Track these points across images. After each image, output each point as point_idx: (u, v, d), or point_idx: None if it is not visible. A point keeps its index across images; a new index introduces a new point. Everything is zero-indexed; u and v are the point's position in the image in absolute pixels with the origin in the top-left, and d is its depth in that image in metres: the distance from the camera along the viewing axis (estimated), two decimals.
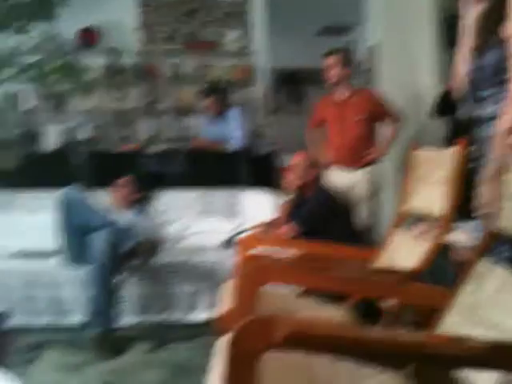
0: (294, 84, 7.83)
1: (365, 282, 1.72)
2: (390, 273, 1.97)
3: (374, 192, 3.69)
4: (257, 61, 5.69)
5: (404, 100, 4.30)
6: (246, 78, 5.67)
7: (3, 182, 4.16)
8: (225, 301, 2.07)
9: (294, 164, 3.12)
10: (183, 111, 5.71)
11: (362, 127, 3.60)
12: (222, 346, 1.48)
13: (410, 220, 2.47)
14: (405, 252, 2.20)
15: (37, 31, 4.37)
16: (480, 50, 1.76)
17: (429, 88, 4.50)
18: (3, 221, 3.54)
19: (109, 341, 2.72)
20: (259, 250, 2.39)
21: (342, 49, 3.79)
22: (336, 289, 1.80)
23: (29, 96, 5.46)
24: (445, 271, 2.44)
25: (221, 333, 1.68)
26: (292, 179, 3.11)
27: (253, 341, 0.94)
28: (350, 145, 3.59)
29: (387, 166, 4.54)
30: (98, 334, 2.73)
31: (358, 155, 3.61)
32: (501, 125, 1.63)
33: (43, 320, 3.01)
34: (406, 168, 2.30)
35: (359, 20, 5.58)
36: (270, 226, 3.13)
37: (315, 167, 3.13)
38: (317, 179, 3.13)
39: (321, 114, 3.77)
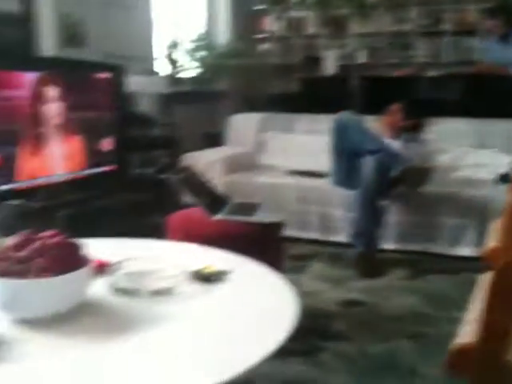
0: None
1: None
2: None
3: None
4: None
5: None
6: None
7: (285, 105, 4.52)
8: (493, 236, 1.95)
9: None
10: (465, 32, 5.26)
11: None
12: (484, 282, 1.43)
13: None
14: None
15: None
16: None
17: None
18: (283, 141, 3.87)
19: (368, 261, 2.84)
20: None
21: None
22: None
23: (311, 22, 5.71)
24: None
25: (486, 269, 1.61)
26: None
27: None
28: None
29: None
30: (359, 253, 2.87)
31: None
32: None
33: (313, 234, 3.28)
34: None
35: None
36: None
37: None
38: None
39: None
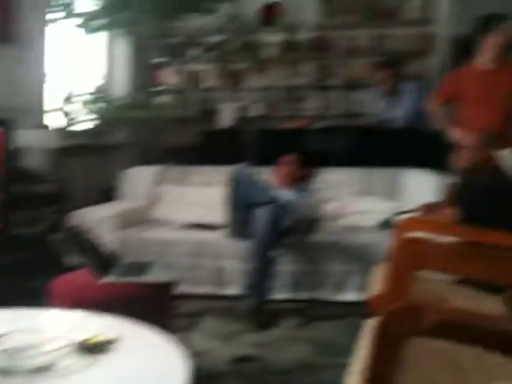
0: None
1: None
2: None
3: None
4: (437, 29, 5.30)
5: None
6: (425, 48, 5.33)
7: (182, 158, 4.53)
8: (377, 283, 2.03)
9: (465, 143, 2.86)
10: (355, 85, 5.57)
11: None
12: (370, 329, 1.47)
13: None
14: None
15: (222, 11, 4.55)
16: None
17: None
18: (178, 194, 3.85)
19: (262, 313, 2.84)
20: (417, 234, 2.26)
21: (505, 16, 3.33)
22: (496, 279, 1.68)
23: (209, 75, 5.82)
24: None
25: (370, 315, 1.65)
26: (462, 159, 2.85)
27: (401, 326, 0.99)
28: (500, 122, 3.22)
29: None
30: (251, 305, 2.86)
31: (509, 134, 3.22)
32: None
33: (205, 288, 3.23)
34: None
35: None
36: (432, 209, 2.93)
37: (489, 148, 2.81)
38: (490, 160, 2.82)
39: (453, 89, 3.44)
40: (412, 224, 2.40)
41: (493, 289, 1.96)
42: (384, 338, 0.99)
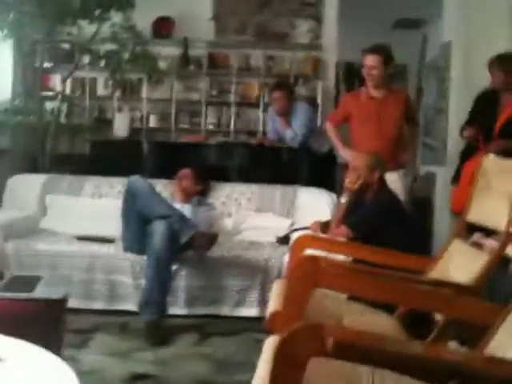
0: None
1: (418, 293, 1.67)
2: (445, 285, 1.88)
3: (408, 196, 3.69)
4: (326, 54, 5.60)
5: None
6: (315, 71, 5.60)
7: (73, 167, 4.34)
8: (275, 299, 2.07)
9: (354, 165, 3.03)
10: (249, 104, 5.71)
11: (399, 127, 3.60)
12: (269, 346, 1.48)
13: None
14: (462, 264, 2.10)
15: (114, 20, 4.46)
16: None
17: None
18: (69, 205, 3.67)
19: (158, 329, 2.78)
20: (312, 251, 2.34)
21: (383, 47, 3.62)
22: (388, 298, 1.77)
23: (103, 83, 5.65)
24: (504, 286, 2.32)
25: (269, 331, 1.68)
26: (351, 180, 3.01)
27: (301, 346, 0.99)
28: (389, 145, 3.51)
29: (443, 171, 4.40)
30: (148, 321, 2.80)
31: (395, 156, 3.55)
32: None
33: (99, 304, 3.11)
34: (474, 173, 2.17)
35: (436, 15, 5.36)
36: (325, 226, 3.07)
37: (377, 169, 3.01)
38: (379, 182, 3.02)
39: (349, 110, 3.68)
40: (306, 241, 2.49)
41: (384, 306, 2.08)
42: (285, 358, 1.00)
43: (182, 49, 5.50)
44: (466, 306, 1.60)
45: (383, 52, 3.53)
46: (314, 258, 1.91)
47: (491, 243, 2.51)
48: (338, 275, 1.72)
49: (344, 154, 3.63)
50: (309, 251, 2.33)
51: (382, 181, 3.03)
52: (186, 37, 5.44)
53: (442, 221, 4.68)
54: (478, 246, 2.36)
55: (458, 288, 1.80)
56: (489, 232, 2.72)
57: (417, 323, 2.13)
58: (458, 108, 4.40)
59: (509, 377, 1.01)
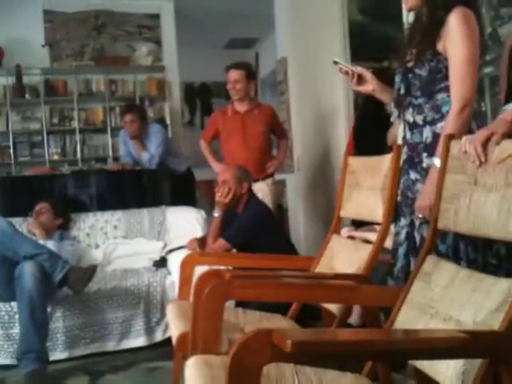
0: (205, 97, 7.84)
1: (324, 288, 1.75)
2: (341, 277, 2.00)
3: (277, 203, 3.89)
4: (168, 75, 5.64)
5: (314, 113, 4.45)
6: (160, 92, 5.60)
7: None
8: (178, 321, 2.00)
9: (223, 178, 3.08)
10: (95, 129, 5.51)
11: (265, 139, 3.77)
12: (192, 368, 1.43)
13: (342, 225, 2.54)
14: (345, 257, 2.24)
15: None
16: (418, 58, 1.83)
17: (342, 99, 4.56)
18: None
19: (42, 379, 2.53)
20: (200, 267, 2.33)
21: (245, 63, 3.86)
22: (297, 297, 1.87)
23: None
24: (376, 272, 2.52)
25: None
26: (222, 194, 3.05)
27: (256, 355, 0.99)
28: (256, 156, 3.68)
29: (296, 176, 4.69)
30: (29, 372, 2.53)
31: (262, 166, 3.72)
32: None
33: None
34: (341, 175, 2.33)
35: (267, 32, 5.69)
36: (202, 243, 3.07)
37: (245, 180, 3.10)
38: (248, 192, 3.11)
39: (217, 126, 3.82)
40: (194, 259, 2.48)
41: (276, 308, 2.15)
42: (240, 372, 0.99)
43: (15, 77, 5.13)
44: (369, 292, 1.72)
45: (245, 67, 3.71)
46: (216, 272, 1.91)
47: (361, 235, 2.75)
48: (245, 285, 1.74)
49: (215, 167, 3.71)
50: (198, 268, 2.32)
51: (251, 191, 3.13)
52: (19, 64, 5.08)
53: (296, 223, 4.92)
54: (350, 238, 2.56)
55: (353, 278, 1.92)
56: (357, 225, 2.98)
57: (307, 318, 2.26)
58: (299, 118, 4.70)
59: (423, 344, 1.07)
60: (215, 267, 2.31)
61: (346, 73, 2.10)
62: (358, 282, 1.86)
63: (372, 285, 1.90)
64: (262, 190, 3.58)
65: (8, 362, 2.70)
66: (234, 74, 3.65)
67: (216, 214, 3.07)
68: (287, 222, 5.26)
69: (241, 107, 3.73)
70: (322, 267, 2.30)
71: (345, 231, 2.83)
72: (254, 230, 2.96)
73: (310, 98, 4.60)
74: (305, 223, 4.63)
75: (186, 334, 1.79)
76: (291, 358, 1.04)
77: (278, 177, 5.87)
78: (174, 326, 2.00)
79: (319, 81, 4.48)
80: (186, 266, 2.37)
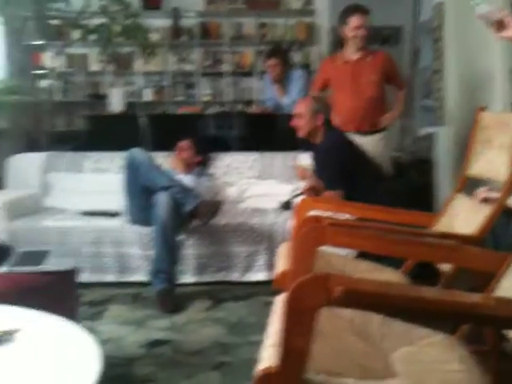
0: None
1: (423, 245, 1.69)
2: (449, 237, 1.93)
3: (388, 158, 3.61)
4: (318, 19, 5.56)
5: (469, 64, 4.09)
6: (308, 37, 5.57)
7: (71, 144, 4.33)
8: (282, 261, 2.11)
9: (299, 111, 3.01)
10: (244, 73, 5.68)
11: (377, 89, 3.46)
12: (279, 304, 1.52)
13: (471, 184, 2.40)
14: (465, 217, 2.14)
15: None
16: None
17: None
18: (71, 181, 3.70)
19: (170, 298, 2.83)
20: (315, 212, 2.38)
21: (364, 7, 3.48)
22: (394, 252, 1.78)
23: (94, 59, 5.60)
24: (508, 237, 2.36)
25: (278, 292, 1.72)
26: (300, 126, 3.00)
27: (310, 297, 0.99)
28: (366, 107, 3.43)
29: (446, 130, 4.41)
30: (159, 290, 2.85)
31: (373, 119, 3.46)
32: None
33: (109, 276, 3.16)
34: (472, 131, 2.20)
35: None
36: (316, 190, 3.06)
37: (321, 112, 2.97)
38: (325, 124, 2.99)
39: (327, 75, 3.60)
40: (309, 204, 2.52)
41: (391, 261, 2.12)
42: (296, 310, 1.00)
43: (173, 20, 5.44)
44: (471, 254, 1.64)
45: (368, 11, 3.43)
46: (316, 218, 1.95)
47: (496, 196, 2.56)
48: (339, 233, 1.75)
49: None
50: (312, 213, 2.37)
51: (328, 123, 3.02)
52: (176, 7, 5.37)
53: (444, 179, 4.69)
54: (484, 200, 2.40)
55: (462, 238, 1.84)
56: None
57: (423, 276, 2.20)
58: (455, 67, 4.38)
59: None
60: (328, 213, 2.36)
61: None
62: (465, 243, 1.78)
63: (479, 247, 1.80)
64: (369, 143, 3.38)
65: (144, 279, 3.04)
66: (358, 20, 3.37)
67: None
68: (436, 176, 5.04)
69: (353, 55, 3.48)
70: (442, 225, 2.23)
71: (482, 191, 2.66)
72: (340, 162, 2.87)
73: (465, 46, 4.26)
74: (453, 179, 4.40)
75: (284, 273, 1.88)
76: (343, 303, 1.05)
77: (428, 130, 5.60)
78: (278, 265, 2.11)
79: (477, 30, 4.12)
80: (301, 210, 2.43)
